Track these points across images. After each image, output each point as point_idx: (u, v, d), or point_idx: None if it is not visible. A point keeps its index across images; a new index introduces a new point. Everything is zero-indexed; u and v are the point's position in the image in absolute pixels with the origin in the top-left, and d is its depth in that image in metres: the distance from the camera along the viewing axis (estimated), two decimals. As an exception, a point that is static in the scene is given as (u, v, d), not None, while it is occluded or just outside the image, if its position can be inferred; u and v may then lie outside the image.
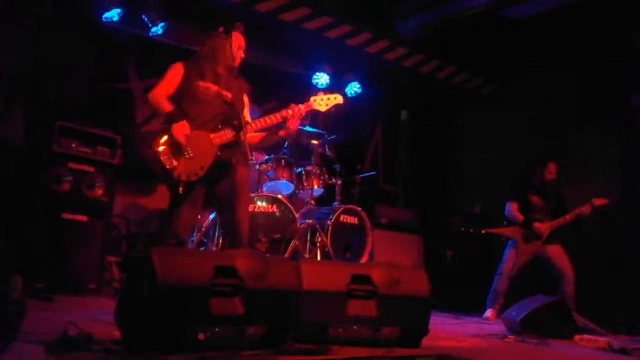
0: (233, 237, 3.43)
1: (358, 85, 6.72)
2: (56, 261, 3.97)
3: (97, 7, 5.08)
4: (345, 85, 6.67)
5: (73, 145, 4.21)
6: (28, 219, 4.00)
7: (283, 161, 5.19)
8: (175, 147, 3.33)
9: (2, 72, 4.58)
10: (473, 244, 6.38)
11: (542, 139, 6.26)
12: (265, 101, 5.69)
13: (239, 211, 3.44)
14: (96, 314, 2.96)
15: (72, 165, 4.16)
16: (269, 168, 5.13)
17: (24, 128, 4.68)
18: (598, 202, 4.92)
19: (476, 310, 5.30)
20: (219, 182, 3.45)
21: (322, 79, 6.46)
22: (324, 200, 5.65)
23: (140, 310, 2.20)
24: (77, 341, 2.09)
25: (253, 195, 4.89)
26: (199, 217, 4.66)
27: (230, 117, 3.46)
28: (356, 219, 5.38)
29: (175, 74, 3.48)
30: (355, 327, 2.66)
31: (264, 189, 5.09)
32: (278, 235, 4.84)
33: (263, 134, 3.68)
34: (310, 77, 6.43)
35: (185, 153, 3.33)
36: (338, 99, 3.68)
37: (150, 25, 5.26)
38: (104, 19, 5.09)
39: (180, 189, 3.32)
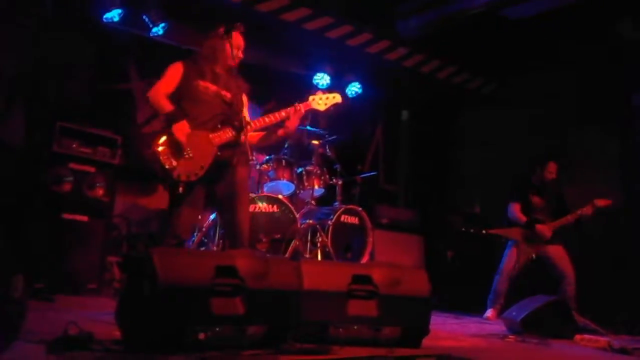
0: (233, 237, 3.43)
1: (359, 86, 6.72)
2: (57, 261, 3.97)
3: (97, 8, 5.08)
4: (346, 85, 6.67)
5: (74, 145, 4.21)
6: (29, 219, 4.00)
7: (284, 161, 5.19)
8: (175, 147, 3.33)
9: (2, 72, 4.59)
10: (473, 244, 6.38)
11: (542, 139, 6.25)
12: (266, 101, 5.69)
13: (240, 211, 3.44)
14: (97, 314, 2.97)
15: (72, 165, 4.17)
16: (270, 168, 5.13)
17: (24, 128, 4.68)
18: (600, 203, 4.90)
19: (477, 310, 5.30)
20: (219, 182, 3.46)
21: (322, 79, 6.46)
22: (325, 200, 5.65)
23: (140, 310, 2.21)
24: (78, 341, 2.09)
25: (254, 195, 4.90)
26: (199, 217, 4.68)
27: (230, 117, 3.47)
28: (357, 219, 5.38)
29: (175, 73, 3.48)
30: (355, 327, 2.66)
31: (265, 189, 5.09)
32: (279, 236, 4.84)
33: (262, 133, 3.69)
34: (311, 78, 6.44)
35: (185, 153, 3.33)
36: (337, 98, 3.68)
37: (150, 25, 5.27)
38: (104, 19, 5.09)
39: (180, 189, 3.32)
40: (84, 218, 4.16)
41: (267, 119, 3.53)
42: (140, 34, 5.38)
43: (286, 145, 5.46)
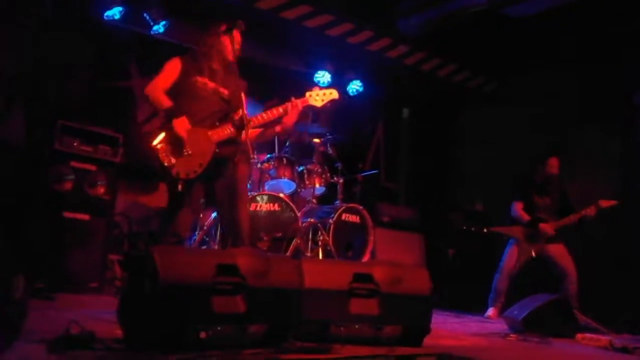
0: (234, 235, 3.43)
1: (359, 84, 6.71)
2: (58, 260, 3.97)
3: (98, 6, 5.08)
4: (347, 83, 6.66)
5: (75, 144, 4.20)
6: (30, 218, 4.00)
7: (285, 160, 5.19)
8: (174, 145, 3.32)
9: (2, 72, 4.58)
10: (474, 243, 6.38)
11: (543, 138, 6.24)
12: (266, 99, 5.66)
13: (240, 209, 3.44)
14: (98, 313, 2.97)
15: (73, 164, 4.16)
16: (271, 167, 5.13)
17: (25, 128, 4.68)
18: (605, 203, 4.86)
19: (478, 309, 5.30)
20: (218, 179, 3.45)
21: (323, 77, 6.45)
22: (326, 198, 5.65)
23: (142, 308, 2.20)
24: (79, 340, 2.10)
25: (255, 194, 4.90)
26: (200, 215, 4.68)
27: (228, 114, 3.47)
28: (358, 217, 5.38)
29: (173, 68, 3.47)
30: (357, 326, 2.66)
31: (266, 187, 5.09)
32: (280, 234, 4.84)
33: (259, 130, 3.68)
34: (312, 75, 6.43)
35: (184, 150, 3.32)
36: (333, 94, 3.69)
37: (151, 23, 5.26)
38: (105, 18, 5.09)
39: (180, 186, 3.32)
40: (85, 216, 4.16)
41: (264, 116, 3.53)
42: (141, 31, 5.38)
43: (287, 144, 5.46)
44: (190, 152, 3.33)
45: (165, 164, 3.29)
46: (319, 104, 3.65)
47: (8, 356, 1.87)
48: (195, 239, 4.69)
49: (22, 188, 4.16)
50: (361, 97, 6.77)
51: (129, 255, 4.49)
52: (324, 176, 5.38)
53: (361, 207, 5.42)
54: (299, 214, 4.95)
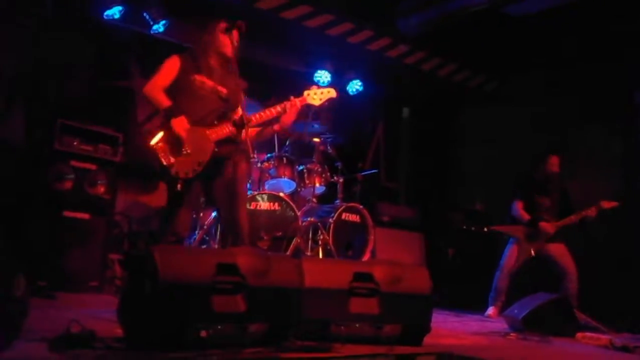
0: (234, 234, 3.43)
1: (359, 83, 6.71)
2: (58, 259, 3.97)
3: (98, 6, 5.08)
4: (347, 83, 6.66)
5: (75, 143, 4.20)
6: (30, 217, 4.00)
7: (285, 159, 5.19)
8: (173, 144, 3.32)
9: (2, 72, 4.58)
10: (474, 242, 6.38)
11: (544, 137, 6.24)
12: (266, 99, 5.67)
13: (240, 209, 3.44)
14: (98, 312, 2.97)
15: (73, 163, 4.16)
16: (271, 166, 5.13)
17: (25, 127, 4.68)
18: (606, 205, 4.86)
19: (478, 308, 5.30)
20: (217, 179, 3.45)
21: (323, 76, 6.45)
22: (326, 198, 5.65)
23: (142, 307, 2.21)
24: (80, 339, 2.10)
25: (255, 193, 4.90)
26: (201, 214, 4.69)
27: (226, 113, 3.46)
28: (358, 216, 5.38)
29: (172, 66, 3.47)
30: (357, 325, 2.66)
31: (266, 187, 5.09)
32: (280, 233, 4.84)
33: (258, 128, 3.68)
34: (312, 75, 6.43)
35: (183, 150, 3.32)
36: (331, 93, 3.69)
37: (151, 23, 5.26)
38: (105, 17, 5.09)
39: (179, 186, 3.32)
40: (85, 216, 4.16)
41: (263, 114, 3.53)
42: (141, 31, 5.37)
43: (287, 143, 5.46)
44: (189, 151, 3.33)
45: (165, 163, 3.29)
46: (317, 102, 3.66)
47: (9, 354, 1.87)
48: (195, 238, 4.69)
49: (22, 188, 4.16)
50: (361, 97, 6.77)
51: (129, 255, 4.50)
52: (324, 175, 5.38)
53: (361, 207, 5.42)
54: (299, 213, 4.95)
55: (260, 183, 5.09)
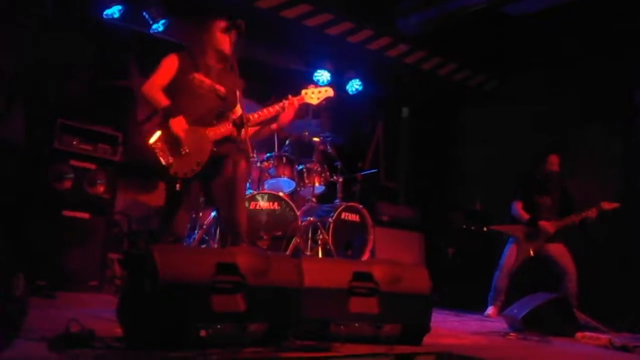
0: (233, 234, 3.43)
1: (359, 83, 6.71)
2: (58, 258, 3.97)
3: (97, 5, 5.07)
4: (347, 82, 6.66)
5: (74, 142, 4.20)
6: (30, 217, 4.00)
7: (284, 159, 5.19)
8: (171, 143, 3.32)
9: (2, 72, 4.58)
10: (474, 241, 6.38)
11: (544, 136, 6.24)
12: (265, 98, 5.66)
13: (239, 208, 3.44)
14: (98, 311, 2.97)
15: (73, 162, 4.16)
16: (270, 165, 5.13)
17: (25, 127, 4.68)
18: (607, 206, 4.85)
19: (477, 307, 5.30)
20: (216, 178, 3.45)
21: (323, 76, 6.45)
22: (325, 197, 5.65)
23: (141, 307, 2.21)
24: (79, 338, 2.10)
25: (254, 192, 4.90)
26: (200, 213, 4.68)
27: (224, 112, 3.46)
28: (357, 216, 5.38)
29: (171, 65, 3.47)
30: (356, 325, 2.66)
31: (266, 186, 5.09)
32: (279, 233, 4.84)
33: (256, 127, 3.68)
34: (312, 75, 6.43)
35: (182, 149, 3.32)
36: (329, 92, 3.70)
37: (151, 22, 5.25)
38: (104, 16, 5.08)
39: (177, 186, 3.32)
40: (85, 215, 4.16)
41: (261, 114, 3.53)
42: (141, 30, 5.37)
43: (287, 143, 5.46)
44: (187, 151, 3.33)
45: (163, 163, 3.29)
46: (314, 101, 3.67)
47: (9, 354, 1.87)
48: (194, 238, 4.69)
49: (22, 187, 4.16)
50: (361, 96, 6.77)
51: (129, 254, 4.48)
52: (323, 175, 5.38)
53: (361, 206, 5.42)
54: (298, 213, 4.94)
55: (259, 182, 5.09)
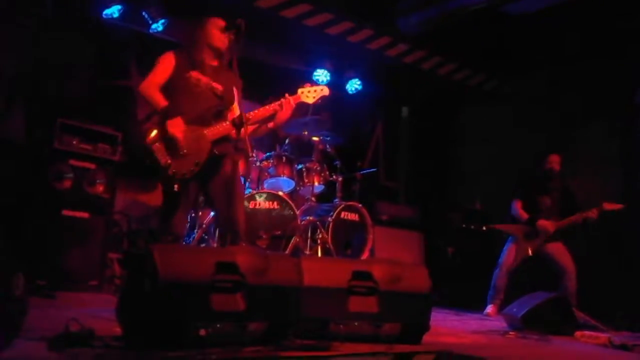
0: (232, 233, 3.42)
1: (359, 82, 6.71)
2: (57, 258, 3.97)
3: (97, 5, 5.07)
4: (346, 82, 6.66)
5: (74, 142, 4.20)
6: (29, 217, 4.00)
7: (284, 158, 5.19)
8: (170, 145, 3.31)
9: (2, 72, 4.58)
10: (474, 241, 6.38)
11: (544, 136, 6.25)
12: (265, 97, 5.66)
13: (237, 207, 3.44)
14: (97, 311, 2.97)
15: (73, 162, 4.16)
16: (270, 165, 5.13)
17: (25, 127, 4.68)
18: (608, 206, 4.84)
19: (477, 306, 5.31)
20: (214, 178, 3.45)
21: (322, 75, 6.45)
22: (325, 197, 5.65)
23: (141, 306, 2.21)
24: (79, 337, 2.10)
25: (254, 192, 4.90)
26: (199, 213, 4.68)
27: (222, 111, 3.46)
28: (357, 215, 5.39)
29: (167, 63, 3.46)
30: (356, 324, 2.66)
31: (265, 185, 5.09)
32: (279, 232, 4.85)
33: (253, 126, 3.68)
34: (311, 74, 6.43)
35: (180, 151, 3.31)
36: (324, 90, 3.71)
37: (150, 22, 5.26)
38: (104, 16, 5.09)
39: (176, 186, 3.32)
40: (85, 215, 4.16)
41: (258, 112, 3.53)
42: (140, 30, 5.37)
43: (286, 142, 5.46)
44: (185, 151, 3.32)
45: (162, 164, 3.29)
46: (310, 100, 3.67)
47: (9, 354, 1.87)
48: (194, 237, 4.69)
49: (22, 187, 4.16)
50: (361, 96, 6.77)
51: (129, 254, 4.49)
52: (323, 174, 5.38)
53: (360, 205, 5.42)
54: (298, 212, 4.95)
55: (259, 182, 5.09)
